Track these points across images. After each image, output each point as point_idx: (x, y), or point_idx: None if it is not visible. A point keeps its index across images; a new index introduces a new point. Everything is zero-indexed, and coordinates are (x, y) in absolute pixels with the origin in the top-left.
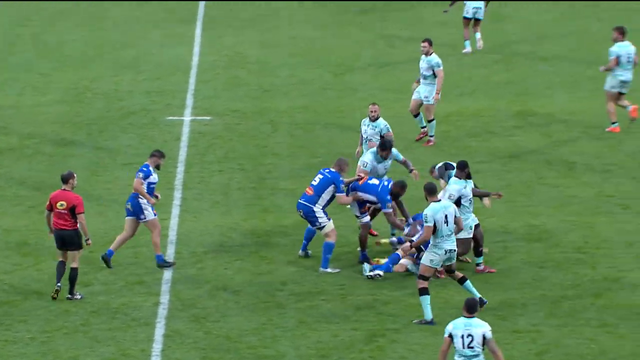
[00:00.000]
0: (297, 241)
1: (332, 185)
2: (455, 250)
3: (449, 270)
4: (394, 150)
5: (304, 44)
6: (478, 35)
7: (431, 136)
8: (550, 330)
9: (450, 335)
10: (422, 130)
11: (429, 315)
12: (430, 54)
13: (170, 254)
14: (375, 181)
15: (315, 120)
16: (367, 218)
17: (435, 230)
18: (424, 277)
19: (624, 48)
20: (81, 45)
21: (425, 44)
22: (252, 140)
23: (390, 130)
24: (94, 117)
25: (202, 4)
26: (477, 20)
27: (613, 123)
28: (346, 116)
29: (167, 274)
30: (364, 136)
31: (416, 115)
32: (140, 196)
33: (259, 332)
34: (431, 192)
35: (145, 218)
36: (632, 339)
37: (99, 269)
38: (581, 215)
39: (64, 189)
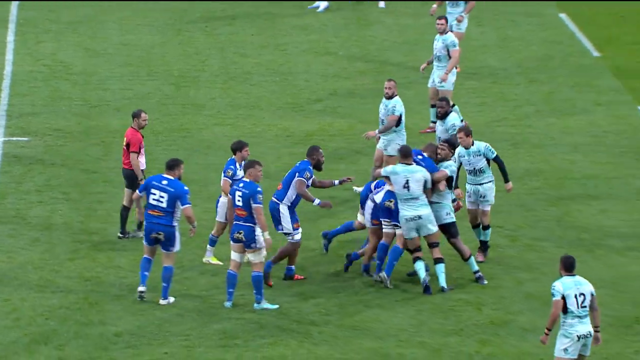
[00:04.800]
0: (133, 284)
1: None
2: (420, 216)
3: (430, 245)
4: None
5: (139, 51)
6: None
7: None
8: None
9: (563, 297)
10: (431, 125)
11: (422, 276)
12: (447, 33)
13: None
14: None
15: (154, 140)
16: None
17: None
18: (408, 250)
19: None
20: None
21: (442, 21)
22: (79, 165)
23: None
24: None
25: (15, 3)
26: None
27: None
28: (191, 136)
29: None
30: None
31: (433, 106)
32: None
33: None
34: (405, 155)
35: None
36: None
37: None
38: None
39: (133, 127)
